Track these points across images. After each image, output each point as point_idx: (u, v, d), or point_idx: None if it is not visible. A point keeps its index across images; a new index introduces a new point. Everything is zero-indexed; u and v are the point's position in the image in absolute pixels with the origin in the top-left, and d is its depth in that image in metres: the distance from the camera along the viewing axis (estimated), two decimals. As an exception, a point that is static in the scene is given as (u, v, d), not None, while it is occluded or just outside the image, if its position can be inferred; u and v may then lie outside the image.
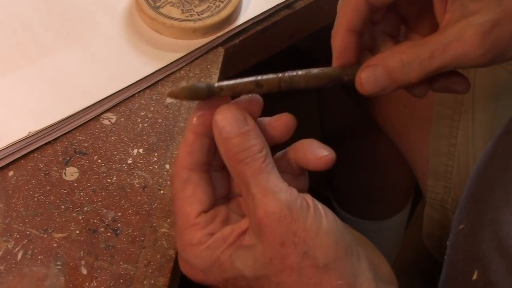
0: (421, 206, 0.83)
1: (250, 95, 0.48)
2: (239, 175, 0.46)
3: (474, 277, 0.47)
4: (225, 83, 0.47)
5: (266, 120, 0.49)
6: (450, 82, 0.54)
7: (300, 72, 0.50)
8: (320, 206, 0.46)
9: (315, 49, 0.93)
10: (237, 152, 0.45)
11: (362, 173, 1.04)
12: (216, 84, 0.47)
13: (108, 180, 0.57)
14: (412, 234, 0.90)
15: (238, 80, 0.47)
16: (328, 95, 1.05)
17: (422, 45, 0.49)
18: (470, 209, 0.52)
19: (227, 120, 0.46)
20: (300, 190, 0.46)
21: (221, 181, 0.50)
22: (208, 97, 0.46)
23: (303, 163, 0.49)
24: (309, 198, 0.46)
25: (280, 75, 0.49)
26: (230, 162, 0.46)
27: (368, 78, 0.50)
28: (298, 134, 0.50)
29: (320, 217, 0.45)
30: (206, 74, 0.63)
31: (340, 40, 0.52)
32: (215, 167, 0.49)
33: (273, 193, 0.44)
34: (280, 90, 0.49)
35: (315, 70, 0.50)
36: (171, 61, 0.63)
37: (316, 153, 0.48)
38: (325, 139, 0.51)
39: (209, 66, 0.64)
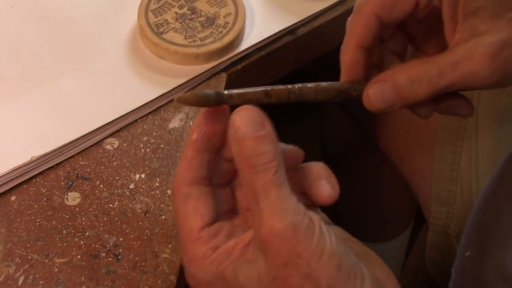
0: (423, 232, 0.83)
1: None
2: (250, 183, 0.45)
3: None
4: (235, 91, 0.47)
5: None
6: (455, 105, 0.54)
7: (309, 85, 0.50)
8: (324, 226, 0.45)
9: (318, 73, 0.93)
10: (250, 156, 0.45)
11: (363, 195, 1.04)
12: (226, 91, 0.47)
13: (110, 205, 0.57)
14: (414, 260, 0.90)
15: (248, 89, 0.48)
16: (330, 117, 1.06)
17: (432, 63, 0.50)
18: (476, 236, 0.52)
19: (244, 121, 0.45)
20: (308, 206, 0.46)
21: (225, 197, 0.50)
22: (217, 104, 0.46)
23: (306, 191, 0.49)
24: (315, 217, 0.45)
25: (290, 86, 0.49)
26: (241, 165, 0.45)
27: (375, 93, 0.51)
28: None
29: (324, 239, 0.44)
30: (208, 99, 0.63)
31: (350, 55, 0.52)
32: (219, 184, 0.49)
33: (280, 212, 0.44)
34: (289, 101, 0.49)
35: (324, 84, 0.51)
36: (174, 87, 0.63)
37: (320, 190, 0.48)
38: (326, 161, 0.51)
39: (212, 92, 0.64)
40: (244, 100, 0.47)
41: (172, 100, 0.63)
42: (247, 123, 0.45)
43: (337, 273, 0.44)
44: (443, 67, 0.49)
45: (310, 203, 0.49)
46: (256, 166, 0.44)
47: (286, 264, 0.44)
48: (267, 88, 0.48)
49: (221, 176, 0.49)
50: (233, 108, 0.46)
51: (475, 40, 0.49)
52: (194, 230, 0.46)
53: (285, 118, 0.50)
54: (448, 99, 0.54)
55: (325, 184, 0.48)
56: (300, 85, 0.49)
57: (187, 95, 0.46)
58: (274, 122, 0.53)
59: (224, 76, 0.65)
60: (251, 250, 0.45)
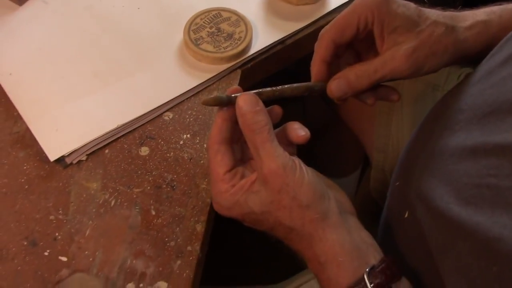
0: (368, 171, 0.83)
1: None
2: (251, 141, 0.45)
3: (406, 215, 0.48)
4: (238, 94, 0.47)
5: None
6: (387, 94, 0.54)
7: (286, 86, 0.50)
8: (303, 165, 0.45)
9: (298, 70, 0.92)
10: (250, 124, 0.45)
11: (331, 148, 1.04)
12: (233, 95, 0.47)
13: (168, 154, 0.57)
14: (363, 189, 0.90)
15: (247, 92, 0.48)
16: (310, 102, 1.05)
17: (369, 64, 0.50)
18: (402, 172, 0.52)
19: (245, 102, 0.45)
20: (290, 154, 0.46)
21: (238, 150, 0.50)
22: (228, 104, 0.47)
23: (289, 138, 0.49)
24: (296, 159, 0.45)
25: (274, 88, 0.49)
26: (245, 131, 0.45)
27: (335, 86, 0.50)
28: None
29: (303, 173, 0.45)
30: (229, 87, 0.62)
31: (316, 68, 0.52)
32: (235, 140, 0.49)
33: (273, 157, 0.44)
34: (274, 98, 0.49)
35: (296, 84, 0.50)
36: (207, 79, 0.63)
37: (296, 132, 0.48)
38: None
39: (231, 82, 0.64)
40: None
41: (205, 87, 0.63)
42: (247, 103, 0.45)
43: (313, 195, 0.44)
44: (376, 66, 0.49)
45: (292, 152, 0.49)
46: (254, 130, 0.45)
47: (279, 191, 0.44)
48: (259, 90, 0.48)
49: (236, 135, 0.49)
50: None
51: (395, 47, 0.49)
52: (220, 174, 0.47)
53: (279, 103, 0.50)
54: (383, 90, 0.53)
55: (300, 129, 0.48)
56: (279, 87, 0.49)
57: (209, 99, 0.46)
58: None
59: (239, 71, 0.65)
60: (256, 185, 0.46)
